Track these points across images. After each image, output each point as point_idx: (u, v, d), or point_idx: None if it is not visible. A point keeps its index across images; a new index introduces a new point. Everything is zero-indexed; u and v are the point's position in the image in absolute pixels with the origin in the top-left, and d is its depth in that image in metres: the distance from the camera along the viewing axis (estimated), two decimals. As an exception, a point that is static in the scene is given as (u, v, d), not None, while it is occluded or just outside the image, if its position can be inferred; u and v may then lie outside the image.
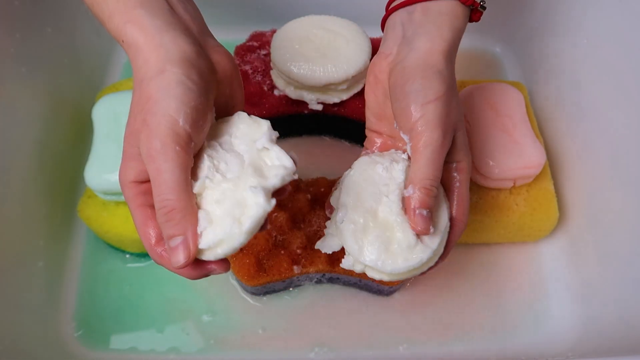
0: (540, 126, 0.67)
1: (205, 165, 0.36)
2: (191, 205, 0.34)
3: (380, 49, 0.45)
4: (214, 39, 0.40)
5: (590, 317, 0.56)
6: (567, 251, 0.61)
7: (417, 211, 0.39)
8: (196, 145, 0.36)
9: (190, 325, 0.57)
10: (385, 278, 0.42)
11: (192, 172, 0.36)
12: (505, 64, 0.76)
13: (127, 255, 0.61)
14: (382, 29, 0.47)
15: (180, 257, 0.34)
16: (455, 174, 0.43)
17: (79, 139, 0.65)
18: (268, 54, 0.64)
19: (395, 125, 0.44)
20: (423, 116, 0.39)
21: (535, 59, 0.71)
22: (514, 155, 0.57)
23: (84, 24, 0.69)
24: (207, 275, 0.37)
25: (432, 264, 0.42)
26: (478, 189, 0.59)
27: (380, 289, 0.57)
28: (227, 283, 0.59)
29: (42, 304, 0.56)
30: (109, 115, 0.57)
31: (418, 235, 0.40)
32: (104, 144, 0.56)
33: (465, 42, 0.77)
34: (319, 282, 0.58)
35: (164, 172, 0.34)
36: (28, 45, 0.59)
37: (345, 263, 0.42)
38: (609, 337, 0.52)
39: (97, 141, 0.56)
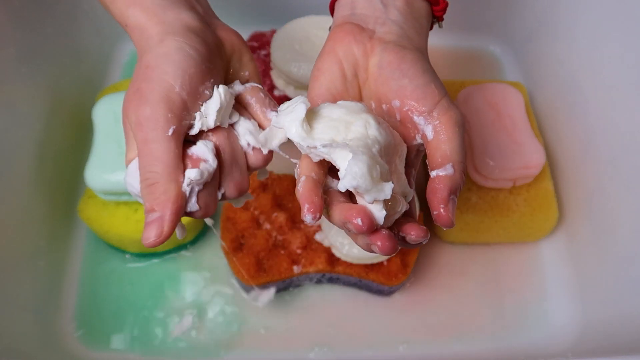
0: (540, 126, 0.67)
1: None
2: (176, 180, 0.31)
3: (350, 19, 0.38)
4: (220, 20, 0.39)
5: (590, 317, 0.56)
6: (567, 251, 0.61)
7: (451, 196, 0.32)
8: (190, 116, 0.33)
9: (190, 326, 0.57)
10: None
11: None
12: (505, 64, 0.76)
13: (127, 255, 0.61)
14: (332, 8, 0.41)
15: (151, 234, 0.31)
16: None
17: (79, 139, 0.65)
18: (268, 54, 0.64)
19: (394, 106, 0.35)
20: (446, 95, 0.35)
21: (535, 59, 0.71)
22: (514, 155, 0.57)
23: (84, 24, 0.68)
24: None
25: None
26: (478, 189, 0.59)
27: (380, 289, 0.57)
28: (227, 283, 0.59)
29: (42, 304, 0.56)
30: (109, 115, 0.57)
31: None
32: (104, 144, 0.56)
33: (465, 42, 0.78)
34: (319, 282, 0.58)
35: (152, 141, 0.31)
36: (28, 46, 0.59)
37: (318, 236, 0.52)
38: (609, 337, 0.52)
39: (97, 141, 0.56)
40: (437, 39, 0.77)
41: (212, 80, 0.34)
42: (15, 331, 0.52)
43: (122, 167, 0.54)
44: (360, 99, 0.37)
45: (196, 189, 0.32)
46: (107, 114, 0.57)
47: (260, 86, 0.37)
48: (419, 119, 0.34)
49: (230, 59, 0.37)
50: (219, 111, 0.33)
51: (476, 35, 0.77)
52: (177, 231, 0.34)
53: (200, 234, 0.61)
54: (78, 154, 0.64)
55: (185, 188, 0.32)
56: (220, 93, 0.33)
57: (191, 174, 0.31)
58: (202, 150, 0.33)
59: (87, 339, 0.56)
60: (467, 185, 0.59)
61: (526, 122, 0.59)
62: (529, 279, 0.61)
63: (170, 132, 0.31)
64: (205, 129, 0.33)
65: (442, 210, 0.32)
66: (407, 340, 0.57)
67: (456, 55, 0.76)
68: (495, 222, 0.58)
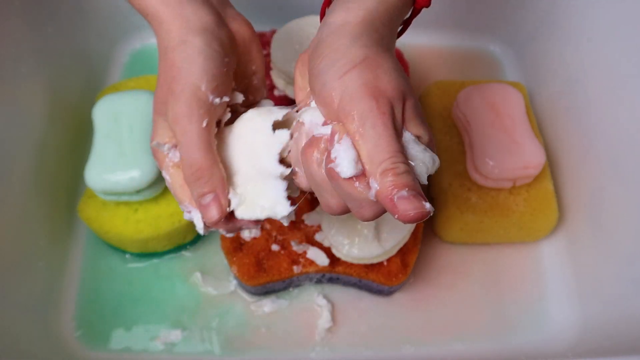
0: (540, 126, 0.67)
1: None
2: (217, 164, 0.36)
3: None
4: (233, 7, 0.41)
5: (590, 317, 0.56)
6: (566, 251, 0.61)
7: (394, 198, 0.30)
8: (217, 110, 0.36)
9: (190, 326, 0.57)
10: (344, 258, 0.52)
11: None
12: (505, 64, 0.76)
13: (127, 255, 0.61)
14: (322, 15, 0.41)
15: (214, 213, 0.36)
16: None
17: (79, 139, 0.65)
18: (268, 54, 0.64)
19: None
20: (344, 91, 0.32)
21: (535, 59, 0.71)
22: (514, 155, 0.57)
23: (84, 24, 0.68)
24: (240, 229, 0.38)
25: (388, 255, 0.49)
26: (478, 189, 0.59)
27: (380, 289, 0.57)
28: (227, 283, 0.59)
29: (42, 304, 0.56)
30: (109, 115, 0.57)
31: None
32: (104, 144, 0.56)
33: (465, 42, 0.78)
34: (319, 282, 0.58)
35: (190, 132, 0.35)
36: (28, 46, 0.59)
37: (318, 236, 0.54)
38: (609, 337, 0.52)
39: (97, 141, 0.56)
40: (437, 39, 0.77)
41: (229, 79, 0.37)
42: (15, 331, 0.52)
43: (122, 167, 0.54)
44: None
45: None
46: (107, 114, 0.57)
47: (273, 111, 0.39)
48: None
49: (241, 52, 0.40)
50: None
51: (476, 35, 0.77)
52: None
53: (200, 234, 0.61)
54: (78, 154, 0.64)
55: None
56: None
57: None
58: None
59: (86, 339, 0.56)
60: (467, 186, 0.59)
61: (526, 122, 0.59)
62: (529, 279, 0.61)
63: (204, 124, 0.35)
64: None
65: (396, 213, 0.31)
66: (407, 340, 0.57)
67: (456, 55, 0.76)
68: (495, 222, 0.58)
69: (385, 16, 0.36)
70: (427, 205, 0.30)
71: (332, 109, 0.33)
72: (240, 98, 0.39)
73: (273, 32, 0.65)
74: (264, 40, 0.66)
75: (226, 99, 0.37)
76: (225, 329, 0.57)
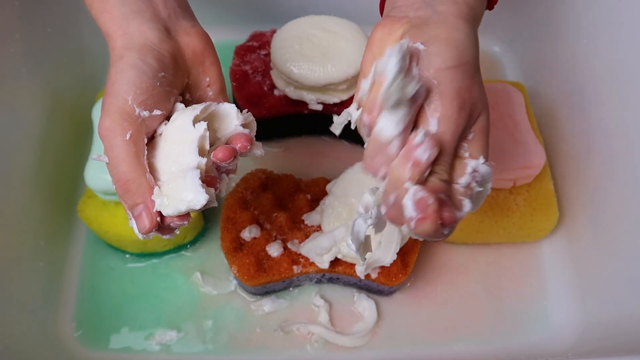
0: (540, 126, 0.67)
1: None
2: (143, 175, 0.36)
3: (389, 14, 0.38)
4: (190, 20, 0.42)
5: (590, 317, 0.56)
6: (567, 251, 0.61)
7: (421, 196, 0.31)
8: (149, 122, 0.37)
9: (190, 326, 0.57)
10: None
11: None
12: (505, 64, 0.76)
13: (127, 255, 0.61)
14: (382, 9, 0.42)
15: (145, 222, 0.36)
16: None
17: (79, 139, 0.65)
18: (268, 54, 0.64)
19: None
20: (439, 84, 0.33)
21: (535, 59, 0.71)
22: (514, 155, 0.57)
23: (84, 24, 0.68)
24: (173, 229, 0.38)
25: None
26: (478, 189, 0.59)
27: (380, 289, 0.57)
28: (227, 283, 0.59)
29: (42, 304, 0.56)
30: (109, 115, 0.57)
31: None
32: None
33: (465, 42, 0.78)
34: (319, 282, 0.58)
35: (115, 147, 0.36)
36: (28, 46, 0.59)
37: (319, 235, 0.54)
38: (609, 337, 0.52)
39: (97, 141, 0.56)
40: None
41: (164, 93, 0.38)
42: (15, 331, 0.52)
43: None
44: None
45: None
46: (107, 113, 0.57)
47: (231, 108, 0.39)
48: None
49: (191, 65, 0.41)
50: None
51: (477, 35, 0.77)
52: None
53: (200, 234, 0.61)
54: (78, 154, 0.64)
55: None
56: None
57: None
58: None
59: (86, 339, 0.56)
60: (467, 185, 0.59)
61: (526, 122, 0.59)
62: (529, 279, 0.61)
63: (128, 136, 0.36)
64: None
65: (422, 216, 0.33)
66: (408, 340, 0.57)
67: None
68: (495, 222, 0.58)
69: (479, 16, 0.39)
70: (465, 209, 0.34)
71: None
72: (180, 108, 0.39)
73: (273, 32, 0.65)
74: (264, 40, 0.66)
75: (157, 112, 0.37)
76: (225, 329, 0.57)
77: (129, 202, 0.36)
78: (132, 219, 0.37)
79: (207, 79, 0.42)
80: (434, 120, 0.33)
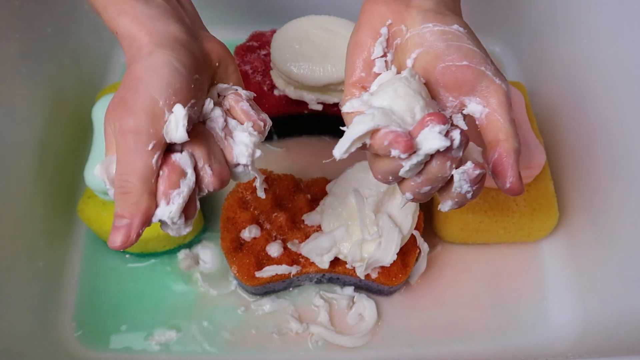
0: (540, 126, 0.67)
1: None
2: (149, 194, 0.33)
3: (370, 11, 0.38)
4: (207, 31, 0.40)
5: (590, 317, 0.56)
6: (567, 251, 0.61)
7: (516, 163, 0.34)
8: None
9: (190, 326, 0.57)
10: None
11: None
12: (505, 64, 0.76)
13: (127, 256, 0.61)
14: None
15: (117, 239, 0.33)
16: None
17: (79, 139, 0.65)
18: (268, 54, 0.64)
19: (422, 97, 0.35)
20: (489, 65, 0.36)
21: (535, 59, 0.71)
22: (514, 155, 0.57)
23: (84, 24, 0.68)
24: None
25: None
26: (478, 189, 0.59)
27: (380, 289, 0.57)
28: (227, 283, 0.59)
29: (42, 304, 0.56)
30: (109, 115, 0.57)
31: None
32: (104, 143, 0.55)
33: (465, 42, 0.78)
34: (319, 282, 0.58)
35: (132, 152, 0.32)
36: (28, 45, 0.59)
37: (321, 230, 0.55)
38: (609, 337, 0.52)
39: (97, 141, 0.56)
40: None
41: (198, 93, 0.35)
42: (15, 331, 0.51)
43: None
44: (400, 67, 0.37)
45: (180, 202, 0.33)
46: (107, 113, 0.57)
47: (242, 93, 0.38)
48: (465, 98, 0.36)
49: (217, 70, 0.38)
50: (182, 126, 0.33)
51: (476, 35, 0.77)
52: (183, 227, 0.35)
53: (200, 234, 0.61)
54: (78, 154, 0.64)
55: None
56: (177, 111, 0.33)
57: (170, 209, 0.33)
58: (184, 160, 0.33)
59: (86, 339, 0.56)
60: (467, 185, 0.59)
61: (526, 122, 0.59)
62: (529, 279, 0.61)
63: (151, 147, 0.32)
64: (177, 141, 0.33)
65: (512, 180, 0.34)
66: (408, 340, 0.57)
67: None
68: (495, 222, 0.58)
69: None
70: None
71: (473, 83, 0.35)
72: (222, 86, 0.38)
73: (273, 32, 0.65)
74: (264, 40, 0.66)
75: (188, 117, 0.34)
76: (225, 329, 0.57)
77: (118, 211, 0.33)
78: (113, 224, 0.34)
79: (230, 84, 0.40)
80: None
